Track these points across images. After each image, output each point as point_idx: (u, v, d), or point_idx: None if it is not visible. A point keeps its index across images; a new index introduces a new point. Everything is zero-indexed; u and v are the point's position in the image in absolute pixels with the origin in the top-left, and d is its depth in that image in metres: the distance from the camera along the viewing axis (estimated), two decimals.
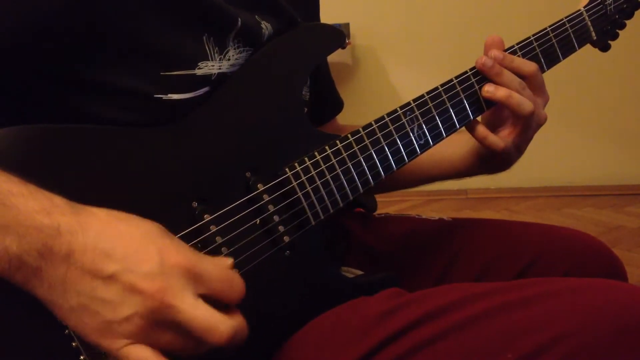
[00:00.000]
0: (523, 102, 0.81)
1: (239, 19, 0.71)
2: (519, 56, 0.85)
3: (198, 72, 0.68)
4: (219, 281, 0.55)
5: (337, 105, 1.01)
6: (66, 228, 0.52)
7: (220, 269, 0.56)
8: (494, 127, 0.88)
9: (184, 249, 0.56)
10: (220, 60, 0.71)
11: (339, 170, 0.74)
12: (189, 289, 0.53)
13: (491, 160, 0.88)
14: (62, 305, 0.53)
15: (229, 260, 0.58)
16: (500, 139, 0.83)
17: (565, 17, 0.90)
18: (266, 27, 0.76)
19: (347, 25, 2.70)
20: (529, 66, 0.84)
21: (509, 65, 0.83)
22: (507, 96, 0.81)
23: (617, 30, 0.96)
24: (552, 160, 2.85)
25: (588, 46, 0.96)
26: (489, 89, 0.82)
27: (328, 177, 0.74)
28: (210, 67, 0.69)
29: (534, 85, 0.84)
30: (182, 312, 0.52)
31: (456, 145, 0.93)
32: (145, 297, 0.52)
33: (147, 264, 0.52)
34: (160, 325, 0.53)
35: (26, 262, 0.51)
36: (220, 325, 0.53)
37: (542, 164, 2.76)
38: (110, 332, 0.53)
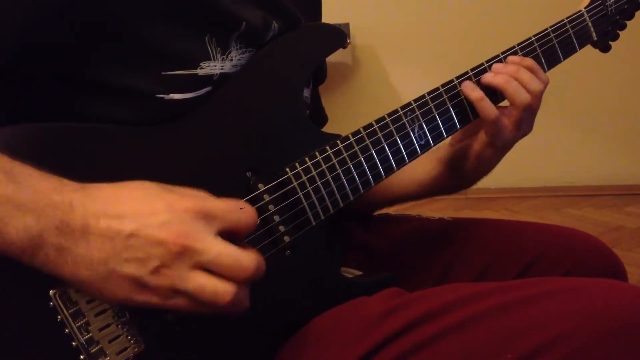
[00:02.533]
0: (520, 90, 0.82)
1: (244, 22, 0.71)
2: (519, 57, 0.85)
3: (200, 72, 0.68)
4: (230, 212, 0.58)
5: (321, 120, 0.99)
6: (77, 202, 0.54)
7: (228, 202, 0.59)
8: (470, 132, 0.88)
9: (188, 194, 0.58)
10: (222, 60, 0.71)
11: (339, 171, 0.74)
12: (206, 229, 0.56)
13: (464, 166, 0.88)
14: (92, 278, 0.54)
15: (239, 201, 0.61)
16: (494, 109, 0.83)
17: (566, 18, 0.90)
18: (275, 27, 0.76)
19: (347, 25, 2.70)
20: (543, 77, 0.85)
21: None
22: (505, 81, 0.82)
23: (618, 31, 0.96)
24: (552, 160, 2.85)
25: (588, 46, 0.96)
26: (486, 76, 0.83)
27: (329, 177, 0.74)
28: (212, 67, 0.69)
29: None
30: (205, 252, 0.55)
31: (424, 160, 0.92)
32: (167, 245, 0.54)
33: (159, 216, 0.55)
34: (189, 269, 0.55)
35: (47, 240, 0.53)
36: (244, 259, 0.56)
37: (542, 164, 2.77)
38: (144, 289, 0.55)
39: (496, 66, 0.84)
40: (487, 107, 0.82)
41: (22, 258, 0.53)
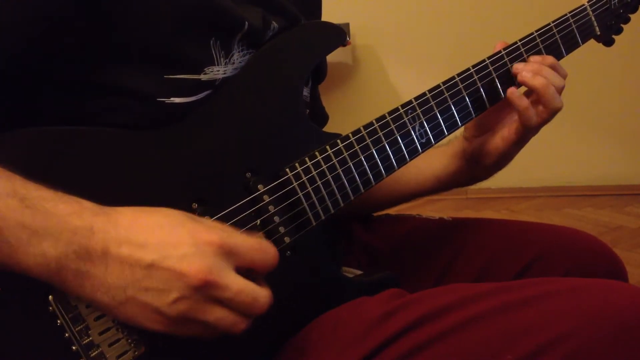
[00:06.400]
0: (557, 96, 0.83)
1: (246, 22, 0.71)
2: (521, 52, 0.85)
3: (203, 77, 0.68)
4: (252, 250, 0.58)
5: (322, 119, 0.99)
6: (98, 227, 0.54)
7: (251, 239, 0.59)
8: (487, 127, 0.88)
9: (213, 227, 0.58)
10: (225, 64, 0.70)
11: (339, 170, 0.74)
12: (227, 265, 0.56)
13: (486, 161, 0.89)
14: (110, 303, 0.54)
15: (259, 234, 0.62)
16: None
17: (569, 12, 0.90)
18: (274, 26, 0.76)
19: (347, 25, 2.69)
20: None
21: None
22: (545, 85, 0.82)
23: (621, 25, 0.96)
24: (552, 160, 2.84)
25: (589, 46, 0.95)
26: (526, 76, 0.83)
27: (329, 177, 0.73)
28: (215, 72, 0.69)
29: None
30: (226, 289, 0.55)
31: (438, 155, 0.94)
32: (187, 279, 0.54)
33: (181, 248, 0.54)
34: (207, 302, 0.55)
35: (65, 265, 0.52)
36: (260, 297, 0.57)
37: (542, 164, 2.77)
38: (162, 318, 0.55)
39: (518, 66, 0.84)
40: (532, 117, 0.83)
41: (41, 279, 0.53)
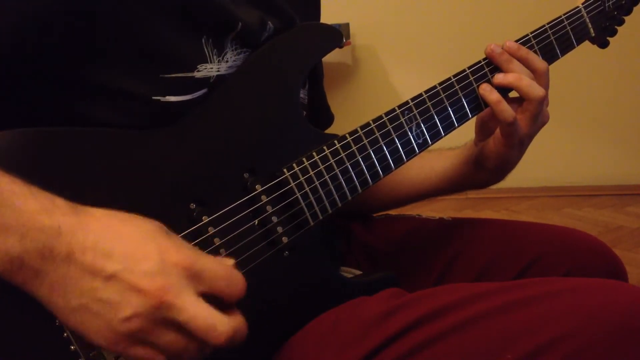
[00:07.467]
0: (534, 85, 0.82)
1: (240, 22, 0.71)
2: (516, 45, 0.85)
3: (197, 74, 0.68)
4: (219, 279, 0.56)
5: (327, 119, 0.99)
6: (66, 228, 0.52)
7: (220, 266, 0.56)
8: (490, 130, 0.87)
9: (184, 247, 0.56)
10: (218, 62, 0.70)
11: (337, 171, 0.74)
12: (190, 288, 0.54)
13: (487, 165, 0.88)
14: (63, 307, 0.53)
15: (230, 261, 0.59)
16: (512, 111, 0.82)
17: (564, 14, 0.90)
18: (270, 26, 0.76)
19: (347, 25, 2.69)
20: (540, 63, 0.84)
21: (524, 56, 0.84)
22: (517, 78, 0.82)
23: (616, 27, 0.96)
24: (552, 160, 2.84)
25: (587, 46, 0.95)
26: (498, 76, 0.83)
27: (326, 177, 0.73)
28: (209, 69, 0.69)
29: (541, 83, 0.84)
30: (182, 311, 0.52)
31: (448, 157, 0.94)
32: (145, 296, 0.52)
33: (146, 263, 0.52)
34: (161, 324, 0.53)
35: (27, 263, 0.51)
36: (219, 325, 0.54)
37: (542, 164, 2.76)
38: (111, 333, 0.52)
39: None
40: (505, 110, 0.82)
41: (2, 275, 0.52)
